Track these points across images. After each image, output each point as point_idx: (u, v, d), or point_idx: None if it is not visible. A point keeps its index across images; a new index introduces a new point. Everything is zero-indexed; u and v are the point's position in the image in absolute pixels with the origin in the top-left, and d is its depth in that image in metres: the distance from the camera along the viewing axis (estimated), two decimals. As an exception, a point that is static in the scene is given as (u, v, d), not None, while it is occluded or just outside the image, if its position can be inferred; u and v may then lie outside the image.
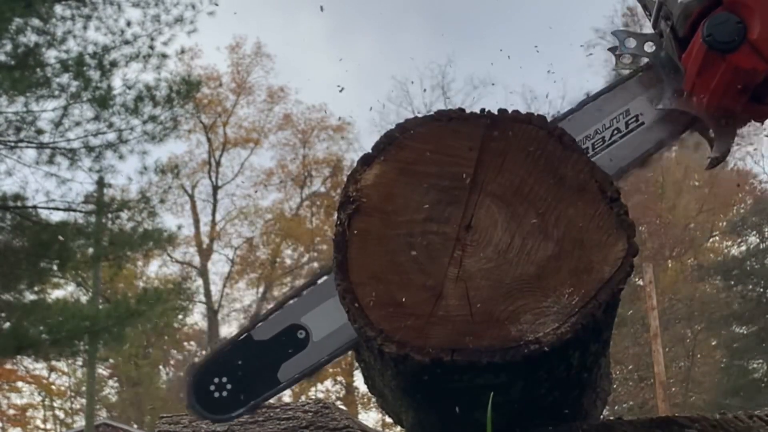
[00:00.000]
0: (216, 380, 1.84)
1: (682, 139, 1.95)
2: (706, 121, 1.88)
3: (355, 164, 1.74)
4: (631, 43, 1.94)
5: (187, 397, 1.88)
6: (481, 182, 1.68)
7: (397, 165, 1.71)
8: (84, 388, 27.50)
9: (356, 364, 1.99)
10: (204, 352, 35.11)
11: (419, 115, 1.74)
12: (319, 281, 1.85)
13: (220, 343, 1.92)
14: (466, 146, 1.70)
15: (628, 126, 1.89)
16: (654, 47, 1.93)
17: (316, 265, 32.78)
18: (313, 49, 42.45)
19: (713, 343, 27.53)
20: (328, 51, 42.92)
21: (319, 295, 1.83)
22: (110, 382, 35.27)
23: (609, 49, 1.96)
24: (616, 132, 1.89)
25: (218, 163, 31.98)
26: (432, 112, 1.73)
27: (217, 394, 1.83)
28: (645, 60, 1.96)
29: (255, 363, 1.84)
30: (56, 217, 13.88)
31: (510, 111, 1.74)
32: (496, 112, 1.74)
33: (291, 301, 1.86)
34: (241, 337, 1.86)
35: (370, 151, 1.73)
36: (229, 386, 1.83)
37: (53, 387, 32.04)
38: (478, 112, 1.73)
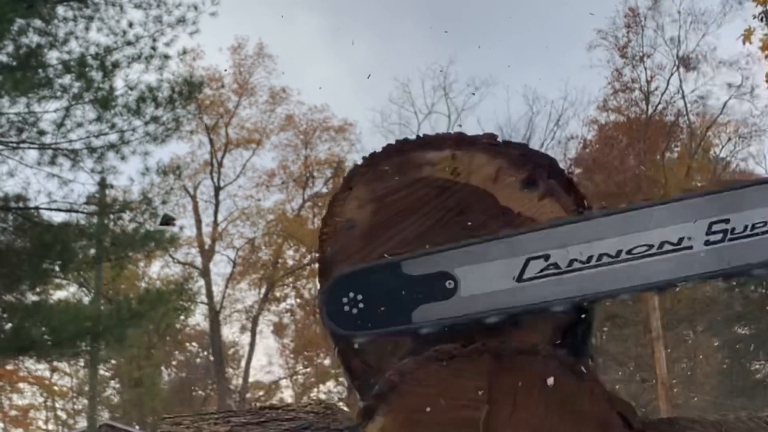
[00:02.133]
0: (351, 294, 1.78)
1: None
2: None
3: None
4: None
5: (319, 301, 1.82)
6: (496, 425, 1.58)
7: (401, 415, 1.60)
8: (86, 389, 27.54)
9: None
10: (206, 353, 35.15)
11: (418, 358, 1.63)
12: (490, 242, 1.78)
13: (369, 262, 1.85)
14: (473, 387, 1.59)
15: None
16: None
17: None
18: (311, 50, 42.47)
19: (715, 345, 27.52)
20: (326, 51, 42.94)
21: (480, 255, 1.77)
22: (112, 383, 35.31)
23: None
24: None
25: (220, 164, 32.03)
26: (433, 351, 1.62)
27: (347, 309, 1.78)
28: None
29: (394, 293, 1.78)
30: (58, 218, 13.91)
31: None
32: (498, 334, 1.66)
33: (453, 249, 1.79)
34: (391, 263, 1.80)
35: (370, 402, 1.63)
36: (361, 305, 1.78)
37: (55, 388, 32.10)
38: (480, 346, 1.61)
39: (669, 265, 1.65)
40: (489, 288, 1.71)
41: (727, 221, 1.65)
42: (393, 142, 1.79)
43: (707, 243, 1.65)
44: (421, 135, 1.77)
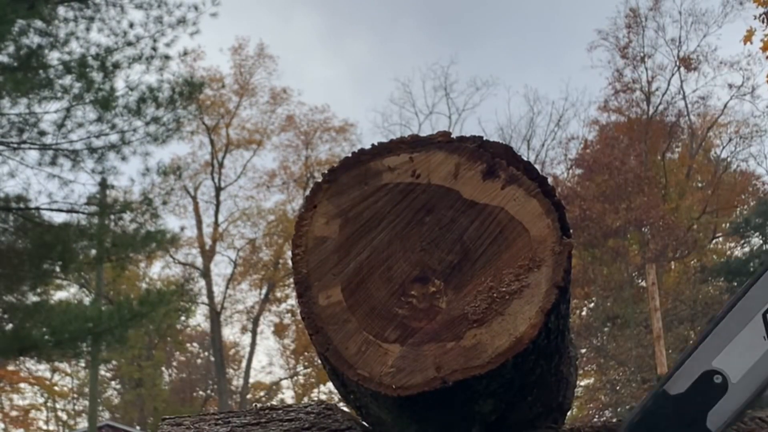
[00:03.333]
0: None
1: None
2: None
3: None
4: None
5: None
6: None
7: None
8: (87, 390, 27.56)
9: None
10: (206, 354, 35.17)
11: None
12: (721, 321, 1.81)
13: (639, 403, 1.86)
14: None
15: None
16: None
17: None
18: (308, 50, 42.52)
19: (716, 345, 27.51)
20: (322, 51, 42.96)
21: (725, 335, 1.79)
22: (113, 384, 35.33)
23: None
24: None
25: (221, 165, 32.03)
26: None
27: None
28: None
29: (677, 417, 1.79)
30: (59, 218, 13.92)
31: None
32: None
33: (698, 348, 1.82)
34: (658, 393, 1.81)
35: None
36: None
37: (56, 388, 32.10)
38: None
39: None
40: (754, 358, 1.72)
41: None
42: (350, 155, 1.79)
43: None
44: (375, 143, 1.78)
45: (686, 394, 1.75)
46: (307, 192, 1.76)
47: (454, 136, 1.75)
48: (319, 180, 1.75)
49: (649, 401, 1.76)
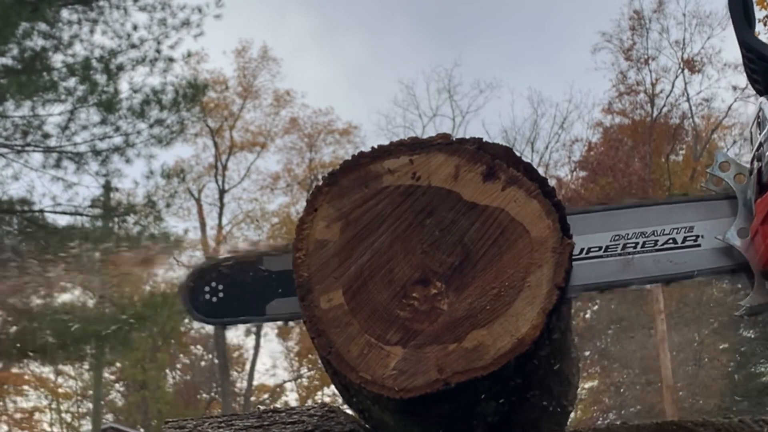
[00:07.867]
0: (213, 284, 1.89)
1: (725, 275, 1.92)
2: (754, 271, 1.84)
3: None
4: (724, 168, 1.93)
5: (183, 289, 1.95)
6: None
7: None
8: (91, 392, 27.57)
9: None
10: (210, 356, 35.17)
11: None
12: None
13: (233, 254, 1.95)
14: None
15: (685, 242, 1.86)
16: (744, 181, 1.91)
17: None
18: (302, 50, 42.46)
19: (721, 347, 27.45)
20: (317, 51, 42.89)
21: None
22: (116, 386, 35.31)
23: (706, 167, 1.96)
24: (670, 242, 1.86)
25: (225, 167, 32.03)
26: None
27: (207, 297, 1.89)
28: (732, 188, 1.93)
29: (253, 285, 1.87)
30: (63, 221, 13.93)
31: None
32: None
33: None
34: (254, 258, 1.89)
35: None
36: (221, 294, 1.89)
37: (60, 390, 32.10)
38: None
39: None
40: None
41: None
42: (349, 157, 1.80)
43: None
44: (375, 146, 1.78)
45: (273, 275, 1.91)
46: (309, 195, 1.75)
47: (454, 138, 1.75)
48: (320, 183, 1.74)
49: (240, 258, 1.92)
